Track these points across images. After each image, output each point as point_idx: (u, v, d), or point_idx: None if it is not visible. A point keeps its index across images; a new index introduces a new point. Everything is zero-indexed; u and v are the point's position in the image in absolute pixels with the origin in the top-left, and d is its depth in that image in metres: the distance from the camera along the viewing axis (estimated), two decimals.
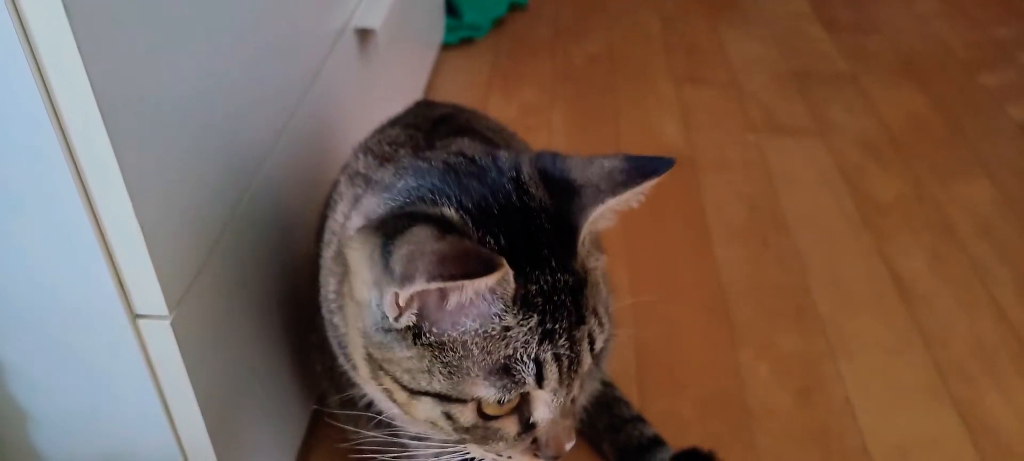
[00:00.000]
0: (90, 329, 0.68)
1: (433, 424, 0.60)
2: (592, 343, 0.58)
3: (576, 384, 0.59)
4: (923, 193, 1.53)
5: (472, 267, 0.49)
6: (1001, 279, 1.31)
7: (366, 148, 0.76)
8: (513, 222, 0.56)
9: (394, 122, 0.85)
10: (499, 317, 0.54)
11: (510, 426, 0.59)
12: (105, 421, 0.76)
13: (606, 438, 1.00)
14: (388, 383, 0.59)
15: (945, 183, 1.55)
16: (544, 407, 0.58)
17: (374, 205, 0.62)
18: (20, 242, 0.63)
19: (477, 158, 0.61)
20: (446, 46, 2.03)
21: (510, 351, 0.54)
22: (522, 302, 0.54)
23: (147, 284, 0.65)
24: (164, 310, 0.66)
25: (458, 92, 1.85)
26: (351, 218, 0.65)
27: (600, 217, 0.58)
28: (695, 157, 1.64)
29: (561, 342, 0.55)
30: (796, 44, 2.09)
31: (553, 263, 0.55)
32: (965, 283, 1.31)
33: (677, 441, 0.98)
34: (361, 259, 0.55)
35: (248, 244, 0.81)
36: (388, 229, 0.54)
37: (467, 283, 0.50)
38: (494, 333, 0.54)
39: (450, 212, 0.56)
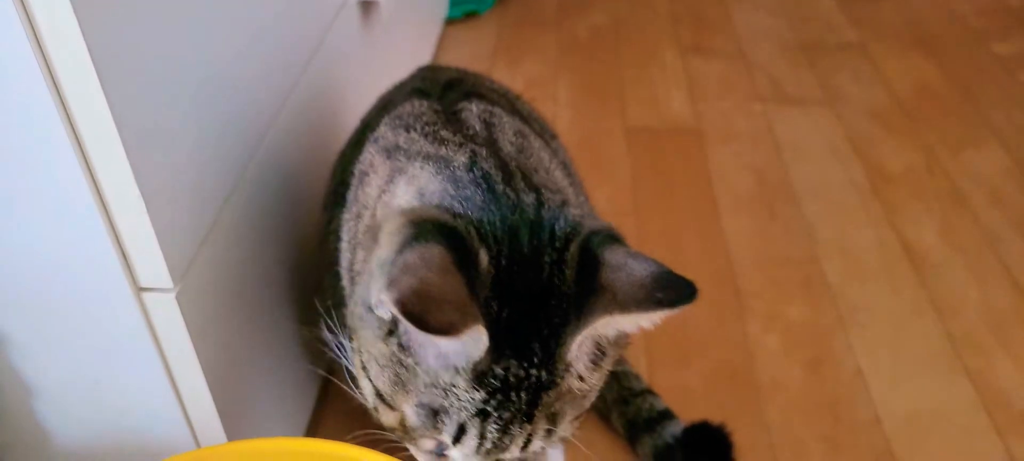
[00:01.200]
0: (94, 303, 0.67)
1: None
2: (527, 442, 0.55)
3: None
4: (933, 162, 1.51)
5: (436, 322, 0.46)
6: (1013, 248, 1.29)
7: (406, 123, 0.71)
8: (528, 299, 0.54)
9: (410, 91, 0.81)
10: (455, 370, 0.53)
11: (427, 443, 0.58)
12: (110, 394, 0.76)
13: (615, 410, 1.00)
14: (353, 350, 0.60)
15: (956, 152, 1.53)
16: (458, 455, 0.57)
17: (435, 188, 0.59)
18: (22, 216, 0.62)
19: (544, 200, 0.58)
20: (450, 20, 2.01)
21: (445, 403, 0.53)
22: (479, 376, 0.52)
23: (151, 257, 0.64)
24: (169, 283, 0.65)
25: (462, 66, 1.83)
26: (397, 192, 0.62)
27: (607, 326, 0.53)
28: (702, 128, 1.62)
29: (491, 428, 0.53)
30: (804, 14, 2.06)
31: (535, 357, 0.53)
32: (976, 252, 1.29)
33: (685, 413, 0.98)
34: (390, 235, 0.54)
35: (252, 214, 0.80)
36: (418, 230, 0.52)
37: (422, 332, 0.47)
38: (443, 380, 0.53)
39: (483, 256, 0.54)
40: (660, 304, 0.51)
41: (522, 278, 0.54)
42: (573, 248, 0.56)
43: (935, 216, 1.37)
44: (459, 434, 0.54)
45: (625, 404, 0.99)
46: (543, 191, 0.60)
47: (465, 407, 0.53)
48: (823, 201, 1.41)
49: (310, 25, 0.96)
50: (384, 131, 0.71)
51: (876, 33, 1.97)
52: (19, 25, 0.51)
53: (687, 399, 1.03)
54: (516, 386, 0.53)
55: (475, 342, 0.50)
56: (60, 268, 0.65)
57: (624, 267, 0.53)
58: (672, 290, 0.51)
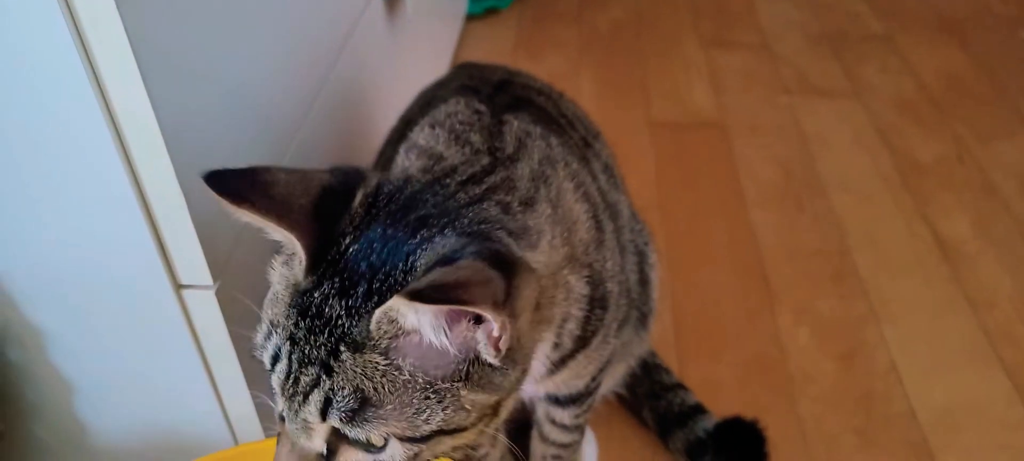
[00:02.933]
0: (134, 301, 0.68)
1: None
2: (324, 408, 0.49)
3: (301, 414, 0.51)
4: (964, 153, 1.49)
5: (220, 185, 0.50)
6: None
7: (433, 120, 0.70)
8: (378, 254, 0.51)
9: (457, 88, 0.78)
10: (287, 290, 0.53)
11: (278, 402, 0.54)
12: (149, 391, 0.76)
13: (646, 405, 0.99)
14: None
15: (987, 142, 1.51)
16: (278, 402, 0.53)
17: (398, 163, 0.62)
18: (65, 215, 0.63)
19: (485, 219, 0.54)
20: (471, 16, 2.01)
21: (270, 315, 0.53)
22: (298, 295, 0.51)
23: (191, 255, 0.64)
24: (208, 280, 0.66)
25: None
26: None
27: (397, 307, 0.47)
28: (726, 121, 1.61)
29: (295, 357, 0.50)
30: (828, 4, 2.04)
31: (351, 299, 0.49)
32: (1009, 244, 1.27)
33: (717, 408, 0.97)
34: None
35: None
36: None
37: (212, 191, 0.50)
38: (280, 301, 0.53)
39: (359, 195, 0.54)
40: (413, 295, 0.44)
41: (383, 237, 0.52)
42: (441, 249, 0.51)
43: (967, 207, 1.35)
44: (274, 361, 0.51)
45: (656, 398, 0.99)
46: (501, 221, 0.55)
47: (281, 327, 0.51)
48: (852, 193, 1.39)
49: (339, 22, 0.96)
50: (416, 134, 0.70)
51: (901, 23, 1.94)
52: (64, 27, 0.52)
53: (719, 393, 1.02)
54: (326, 319, 0.49)
55: (293, 253, 0.51)
56: (101, 266, 0.66)
57: (444, 264, 0.49)
58: (436, 288, 0.45)
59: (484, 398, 0.51)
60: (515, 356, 0.52)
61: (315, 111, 0.87)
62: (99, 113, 0.56)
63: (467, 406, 0.50)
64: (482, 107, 0.70)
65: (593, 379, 0.77)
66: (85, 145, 0.58)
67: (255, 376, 0.74)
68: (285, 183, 0.53)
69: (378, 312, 0.48)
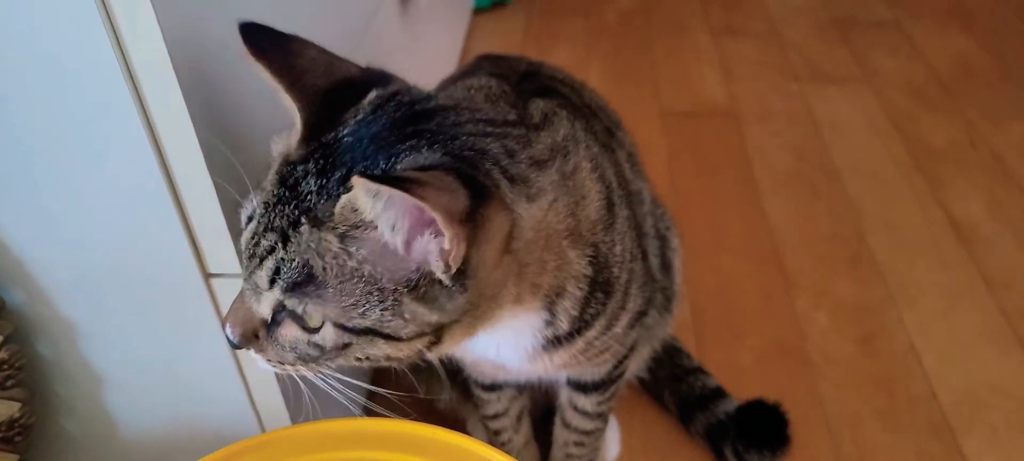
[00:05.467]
0: (164, 290, 0.68)
1: None
2: (273, 277, 0.51)
3: (254, 277, 0.52)
4: (976, 136, 1.49)
5: (254, 44, 0.53)
6: None
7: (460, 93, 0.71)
8: (370, 142, 0.52)
9: (487, 74, 0.78)
10: (280, 150, 0.55)
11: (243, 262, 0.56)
12: (178, 383, 0.77)
13: (667, 388, 1.00)
14: None
15: (999, 125, 1.51)
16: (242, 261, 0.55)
17: None
18: (95, 207, 0.63)
19: (485, 152, 0.55)
20: (478, 10, 2.01)
21: (260, 180, 0.55)
22: (282, 165, 0.53)
23: (220, 243, 0.65)
24: (237, 268, 0.66)
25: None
26: None
27: (354, 190, 0.48)
28: (738, 109, 1.61)
29: (261, 221, 0.52)
30: None
31: (328, 177, 0.51)
32: None
33: (737, 391, 0.97)
34: None
35: None
36: None
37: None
38: (272, 158, 0.55)
39: (372, 96, 0.56)
40: (370, 177, 0.46)
41: (376, 136, 0.52)
42: (422, 160, 0.51)
43: (980, 190, 1.35)
44: (247, 221, 0.54)
45: (677, 382, 0.99)
46: (497, 159, 0.55)
47: (261, 191, 0.53)
48: (866, 178, 1.39)
49: (355, 18, 0.96)
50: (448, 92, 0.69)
51: (910, 8, 1.94)
52: (100, 23, 0.52)
53: (739, 377, 1.02)
54: (298, 193, 0.51)
55: (294, 125, 0.54)
56: (131, 257, 0.66)
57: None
58: (393, 178, 0.46)
59: (425, 313, 0.52)
60: (466, 282, 0.51)
61: None
62: (133, 107, 0.57)
63: (407, 315, 0.51)
64: (508, 88, 0.70)
65: (616, 367, 0.77)
66: (119, 139, 0.59)
67: None
68: (311, 60, 0.55)
69: (344, 198, 0.49)
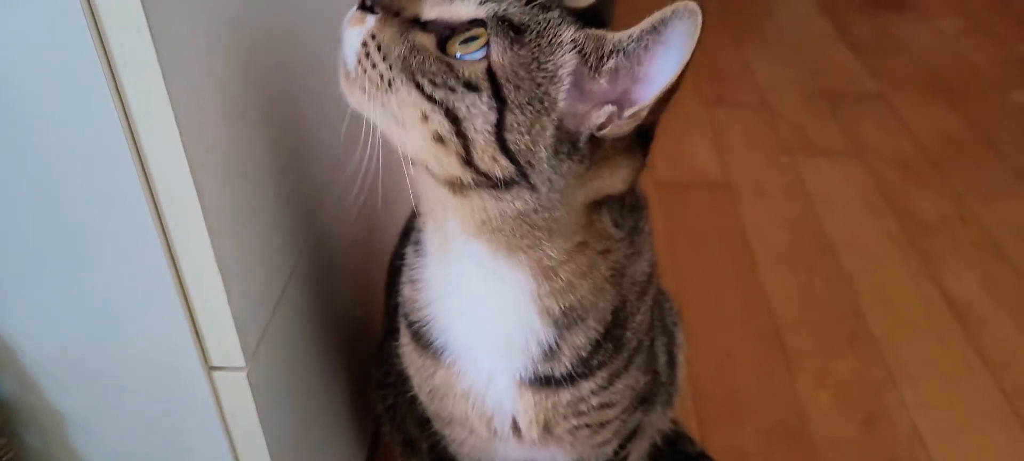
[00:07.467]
0: (162, 382, 0.66)
1: None
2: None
3: None
4: (966, 212, 1.51)
5: None
6: None
7: None
8: None
9: None
10: None
11: None
12: None
13: None
14: None
15: (987, 201, 1.53)
16: None
17: None
18: (98, 296, 0.61)
19: None
20: None
21: None
22: None
23: (225, 335, 0.63)
24: (240, 361, 0.64)
25: None
26: None
27: None
28: (731, 182, 1.62)
29: None
30: (822, 64, 2.08)
31: None
32: (1020, 303, 1.28)
33: None
34: None
35: (313, 288, 0.79)
36: None
37: None
38: None
39: None
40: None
41: None
42: None
43: (974, 267, 1.36)
44: None
45: None
46: None
47: None
48: (860, 253, 1.40)
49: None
50: None
51: (894, 83, 1.98)
52: (111, 103, 0.51)
53: None
54: None
55: None
56: (133, 347, 0.64)
57: None
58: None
59: (539, 138, 0.52)
60: (577, 164, 0.53)
61: (341, 179, 0.86)
62: (138, 189, 0.55)
63: (534, 128, 0.52)
64: None
65: (618, 452, 0.76)
66: (123, 223, 0.57)
67: (281, 458, 0.72)
68: None
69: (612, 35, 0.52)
